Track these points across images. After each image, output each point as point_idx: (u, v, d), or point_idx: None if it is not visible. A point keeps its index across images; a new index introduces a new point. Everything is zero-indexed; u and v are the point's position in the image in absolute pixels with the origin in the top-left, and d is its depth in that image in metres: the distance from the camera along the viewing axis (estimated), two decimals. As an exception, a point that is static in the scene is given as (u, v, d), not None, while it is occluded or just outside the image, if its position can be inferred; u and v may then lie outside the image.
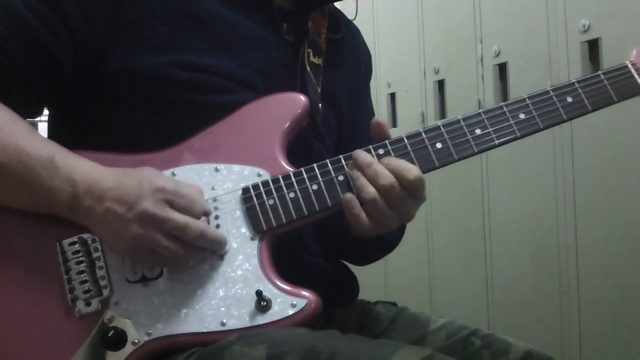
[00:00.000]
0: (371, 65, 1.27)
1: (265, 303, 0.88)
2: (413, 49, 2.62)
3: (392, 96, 2.77)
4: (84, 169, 0.88)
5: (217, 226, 0.92)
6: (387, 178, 0.92)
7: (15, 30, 0.91)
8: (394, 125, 2.75)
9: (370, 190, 0.91)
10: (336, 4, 1.16)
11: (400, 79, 2.71)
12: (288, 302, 0.88)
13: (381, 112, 2.77)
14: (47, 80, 0.94)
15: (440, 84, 2.53)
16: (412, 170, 0.93)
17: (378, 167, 0.92)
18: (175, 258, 0.88)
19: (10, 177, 0.87)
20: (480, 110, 0.98)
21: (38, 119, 1.05)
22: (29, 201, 0.89)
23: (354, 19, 1.21)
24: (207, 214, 0.91)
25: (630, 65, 1.03)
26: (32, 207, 0.90)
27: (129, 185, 0.86)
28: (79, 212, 0.87)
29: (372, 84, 1.28)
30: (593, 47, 1.95)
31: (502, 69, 2.25)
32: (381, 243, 1.03)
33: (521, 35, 2.17)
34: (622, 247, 1.91)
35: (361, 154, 0.94)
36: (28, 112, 0.97)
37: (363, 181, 0.92)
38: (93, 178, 0.87)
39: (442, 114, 2.53)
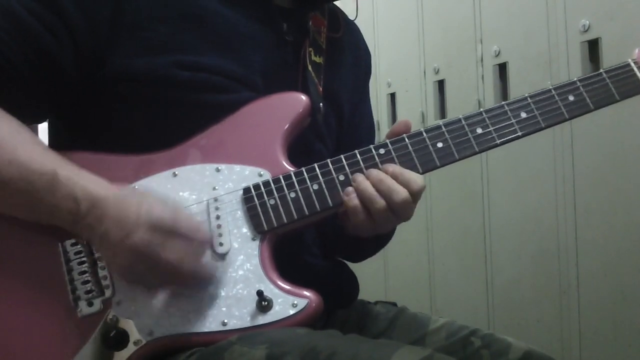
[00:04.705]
0: (371, 64, 1.26)
1: (266, 303, 0.88)
2: (413, 49, 2.62)
3: (392, 96, 2.77)
4: (87, 186, 0.86)
5: (218, 226, 0.92)
6: (401, 195, 0.92)
7: (15, 33, 0.90)
8: (394, 125, 2.75)
9: (381, 203, 0.92)
10: (337, 3, 1.16)
11: (400, 79, 2.71)
12: (289, 302, 0.88)
13: (381, 112, 2.78)
14: (48, 83, 0.94)
15: (440, 84, 2.53)
16: (417, 180, 0.93)
17: (390, 182, 0.92)
18: (168, 285, 0.88)
19: (12, 194, 0.87)
20: (482, 110, 0.98)
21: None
22: (32, 215, 0.89)
23: (355, 19, 1.21)
24: (206, 245, 0.90)
25: (632, 64, 1.01)
26: (35, 219, 0.89)
27: (129, 210, 0.84)
28: (81, 228, 0.87)
29: (372, 84, 1.28)
30: (593, 47, 1.95)
31: (502, 69, 2.25)
32: (377, 240, 1.04)
33: (521, 35, 2.17)
34: (622, 247, 1.91)
35: (373, 172, 0.93)
36: (31, 117, 0.96)
37: (373, 193, 0.92)
38: (95, 196, 0.85)
39: (442, 114, 2.53)
